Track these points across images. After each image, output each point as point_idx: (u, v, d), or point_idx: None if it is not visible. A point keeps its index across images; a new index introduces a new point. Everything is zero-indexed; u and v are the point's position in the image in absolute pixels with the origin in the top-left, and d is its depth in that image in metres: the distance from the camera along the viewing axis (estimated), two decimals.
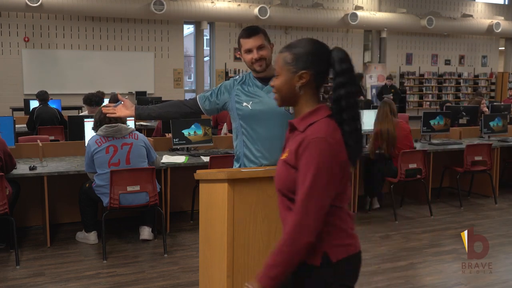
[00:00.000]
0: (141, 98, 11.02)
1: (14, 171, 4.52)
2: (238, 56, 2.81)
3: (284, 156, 1.78)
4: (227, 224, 2.30)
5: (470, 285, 3.92)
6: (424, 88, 18.96)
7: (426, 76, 18.93)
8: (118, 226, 5.17)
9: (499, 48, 20.59)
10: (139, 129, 7.41)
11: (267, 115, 2.63)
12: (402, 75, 18.62)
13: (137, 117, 2.90)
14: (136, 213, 5.03)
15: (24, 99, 10.72)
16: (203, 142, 5.65)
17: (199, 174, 2.60)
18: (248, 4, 15.30)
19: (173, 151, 5.63)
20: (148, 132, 7.82)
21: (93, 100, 6.72)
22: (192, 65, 16.90)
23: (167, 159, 5.09)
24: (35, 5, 12.67)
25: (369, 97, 15.36)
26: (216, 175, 2.45)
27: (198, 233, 2.70)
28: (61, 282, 3.88)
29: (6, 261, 4.30)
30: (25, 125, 7.90)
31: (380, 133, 5.59)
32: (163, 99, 10.37)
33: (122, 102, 2.84)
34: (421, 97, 18.96)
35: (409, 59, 18.70)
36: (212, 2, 14.74)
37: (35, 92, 8.41)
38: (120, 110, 2.83)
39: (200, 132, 5.61)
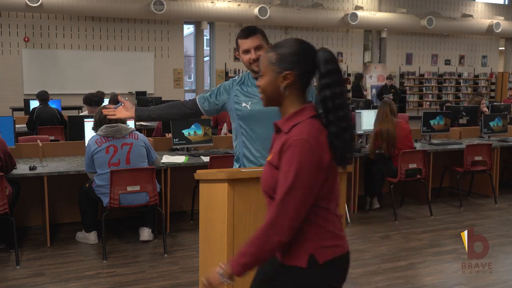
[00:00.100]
0: (141, 98, 11.02)
1: (14, 171, 4.52)
2: (237, 56, 2.81)
3: (269, 157, 1.78)
4: (227, 224, 2.30)
5: (470, 285, 3.92)
6: (424, 88, 18.96)
7: (426, 76, 18.92)
8: (118, 226, 5.17)
9: (499, 48, 20.59)
10: (139, 129, 7.41)
11: (266, 115, 2.63)
12: (402, 75, 18.62)
13: (137, 119, 2.91)
14: (136, 213, 5.03)
15: (24, 99, 10.72)
16: (203, 142, 5.65)
17: (199, 174, 2.60)
18: (248, 4, 15.30)
19: (173, 151, 5.63)
20: (148, 132, 7.82)
21: (93, 100, 6.72)
22: (192, 65, 16.90)
23: (167, 159, 5.09)
24: (35, 5, 12.67)
25: (369, 97, 15.35)
26: (216, 175, 2.45)
27: (198, 233, 2.70)
28: (61, 282, 3.88)
29: (6, 261, 4.30)
30: (25, 125, 7.90)
31: (380, 133, 5.59)
32: (163, 99, 10.37)
33: (122, 104, 2.85)
34: (421, 97, 18.96)
35: (409, 59, 18.70)
36: (212, 2, 14.74)
37: (35, 92, 8.41)
38: (120, 112, 2.83)
39: (200, 132, 5.62)
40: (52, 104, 8.26)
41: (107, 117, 2.89)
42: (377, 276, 4.04)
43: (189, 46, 17.65)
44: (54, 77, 13.85)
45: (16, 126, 6.10)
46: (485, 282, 3.95)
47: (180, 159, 5.11)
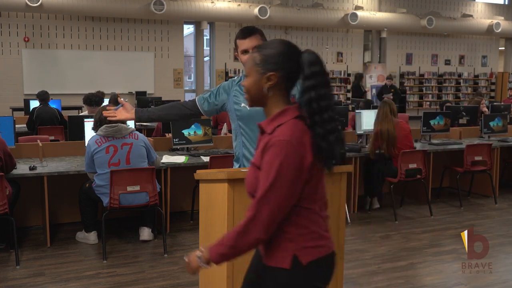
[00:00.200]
0: (141, 98, 11.02)
1: (14, 171, 4.52)
2: (236, 56, 2.81)
3: (254, 159, 1.78)
4: (227, 224, 2.30)
5: (470, 285, 3.92)
6: (424, 88, 18.96)
7: (426, 76, 18.92)
8: (118, 226, 5.18)
9: (499, 48, 20.59)
10: (139, 129, 7.41)
11: (265, 115, 2.63)
12: (402, 75, 18.61)
13: (137, 120, 2.92)
14: (136, 213, 5.03)
15: (24, 99, 10.72)
16: (203, 142, 5.65)
17: (199, 174, 2.60)
18: (248, 4, 15.30)
19: (173, 151, 5.63)
20: (148, 132, 7.82)
21: (93, 100, 6.72)
22: (192, 65, 16.90)
23: (167, 159, 5.09)
24: (35, 5, 12.67)
25: (369, 97, 15.35)
26: (216, 175, 2.45)
27: (198, 233, 2.70)
28: (61, 282, 3.88)
29: (6, 261, 4.30)
30: (25, 125, 7.90)
31: (380, 133, 5.59)
32: (163, 99, 10.37)
33: (122, 105, 2.85)
34: (421, 97, 18.96)
35: (409, 59, 18.70)
36: (212, 2, 14.74)
37: (35, 92, 8.40)
38: (120, 113, 2.84)
39: (200, 132, 5.62)
40: (52, 104, 8.26)
41: (108, 118, 2.90)
42: (377, 276, 4.04)
43: (189, 46, 17.65)
44: (54, 77, 13.85)
45: (16, 126, 6.11)
46: (485, 282, 3.95)
47: (180, 159, 5.11)
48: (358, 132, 6.34)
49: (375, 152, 5.66)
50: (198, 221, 2.71)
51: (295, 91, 1.81)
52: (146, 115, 2.88)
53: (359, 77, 15.24)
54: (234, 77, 2.91)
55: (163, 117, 2.94)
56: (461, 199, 6.24)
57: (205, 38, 16.85)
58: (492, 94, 20.10)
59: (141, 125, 7.96)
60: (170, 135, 5.67)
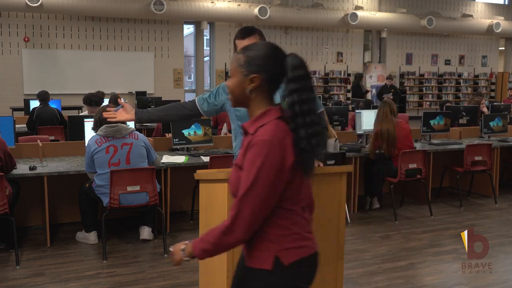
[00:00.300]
0: (141, 98, 11.02)
1: (14, 171, 4.52)
2: None
3: (236, 159, 1.79)
4: None
5: (470, 285, 3.92)
6: (424, 88, 18.96)
7: (426, 76, 18.92)
8: (118, 226, 5.18)
9: (499, 48, 20.59)
10: (139, 129, 7.42)
11: None
12: (402, 75, 18.61)
13: (137, 121, 2.92)
14: (136, 213, 5.03)
15: (24, 99, 10.72)
16: (203, 142, 5.65)
17: (199, 174, 2.61)
18: (248, 4, 15.30)
19: (173, 151, 5.63)
20: (148, 132, 7.82)
21: (93, 100, 6.72)
22: (192, 65, 16.90)
23: (167, 159, 5.09)
24: (35, 5, 12.67)
25: (369, 97, 15.35)
26: (216, 175, 2.46)
27: (198, 233, 2.70)
28: (61, 282, 3.88)
29: (6, 261, 4.30)
30: (25, 125, 7.90)
31: (380, 133, 5.59)
32: (163, 99, 10.38)
33: (122, 106, 2.85)
34: (421, 97, 18.95)
35: (409, 59, 18.70)
36: (212, 2, 14.74)
37: (35, 92, 8.40)
38: (120, 114, 2.83)
39: (200, 132, 5.62)
40: (52, 104, 8.26)
41: (108, 119, 2.90)
42: (377, 276, 4.04)
43: (189, 46, 17.65)
44: (54, 77, 13.85)
45: (16, 126, 6.11)
46: (485, 282, 3.95)
47: (180, 159, 5.11)
48: (358, 132, 6.34)
49: (375, 152, 5.66)
50: (198, 221, 2.71)
51: (278, 98, 1.81)
52: (146, 116, 2.87)
53: (359, 77, 15.24)
54: None
55: (163, 118, 2.94)
56: (461, 199, 6.24)
57: (205, 38, 16.85)
58: (492, 94, 20.10)
59: (141, 125, 7.96)
60: (170, 135, 5.67)
